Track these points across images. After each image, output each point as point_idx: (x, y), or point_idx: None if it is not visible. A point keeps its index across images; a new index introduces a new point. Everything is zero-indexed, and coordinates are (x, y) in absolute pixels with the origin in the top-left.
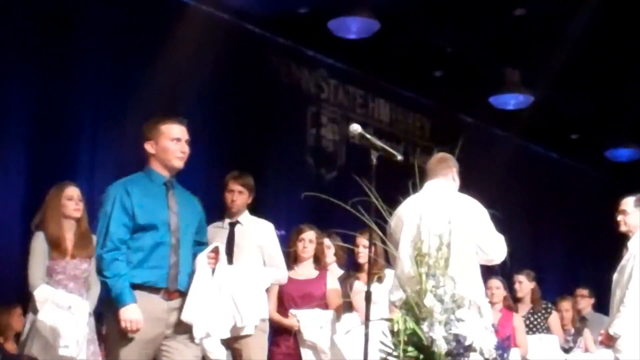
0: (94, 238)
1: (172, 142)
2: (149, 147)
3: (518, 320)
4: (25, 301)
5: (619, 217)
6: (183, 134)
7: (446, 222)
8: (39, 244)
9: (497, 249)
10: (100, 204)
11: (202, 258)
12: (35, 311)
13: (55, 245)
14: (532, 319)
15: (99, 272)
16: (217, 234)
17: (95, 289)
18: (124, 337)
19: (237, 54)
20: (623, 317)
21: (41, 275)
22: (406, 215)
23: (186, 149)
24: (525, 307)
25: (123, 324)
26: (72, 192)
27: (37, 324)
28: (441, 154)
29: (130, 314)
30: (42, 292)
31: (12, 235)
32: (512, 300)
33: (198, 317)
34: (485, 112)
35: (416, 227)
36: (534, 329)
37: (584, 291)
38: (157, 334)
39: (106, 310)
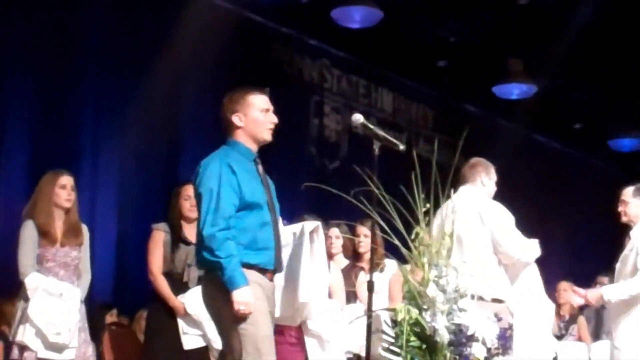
0: (84, 228)
1: (261, 114)
2: (236, 119)
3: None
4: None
5: (620, 208)
6: (269, 104)
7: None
8: (28, 231)
9: (516, 248)
10: (198, 180)
11: (306, 237)
12: (26, 299)
13: (45, 234)
14: None
15: (210, 252)
16: None
17: (86, 277)
18: (239, 320)
19: (239, 43)
20: (622, 287)
21: (31, 263)
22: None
23: (275, 119)
24: None
25: (236, 307)
26: (66, 181)
27: (28, 312)
28: (473, 160)
29: (245, 297)
30: (33, 280)
31: (14, 224)
32: None
33: (315, 297)
34: (489, 101)
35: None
36: None
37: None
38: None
39: (214, 292)
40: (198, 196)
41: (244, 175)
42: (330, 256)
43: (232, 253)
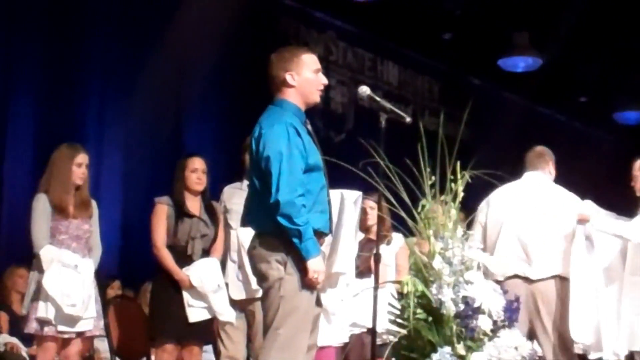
0: (94, 203)
1: (314, 74)
2: (289, 78)
3: None
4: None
5: (632, 183)
6: (319, 64)
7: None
8: (41, 205)
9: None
10: (262, 143)
11: (349, 206)
12: (40, 270)
13: (58, 208)
14: None
15: (288, 218)
16: (234, 195)
17: (97, 252)
18: (304, 289)
19: (245, 16)
20: (613, 222)
21: (46, 236)
22: (498, 200)
23: (325, 80)
24: None
25: (312, 274)
26: (82, 159)
27: (43, 283)
28: (539, 148)
29: (320, 265)
30: (48, 252)
31: (21, 198)
32: None
33: (349, 267)
34: (494, 74)
35: (504, 211)
36: None
37: None
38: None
39: (268, 255)
40: (264, 159)
41: (305, 136)
42: (367, 228)
43: (308, 220)
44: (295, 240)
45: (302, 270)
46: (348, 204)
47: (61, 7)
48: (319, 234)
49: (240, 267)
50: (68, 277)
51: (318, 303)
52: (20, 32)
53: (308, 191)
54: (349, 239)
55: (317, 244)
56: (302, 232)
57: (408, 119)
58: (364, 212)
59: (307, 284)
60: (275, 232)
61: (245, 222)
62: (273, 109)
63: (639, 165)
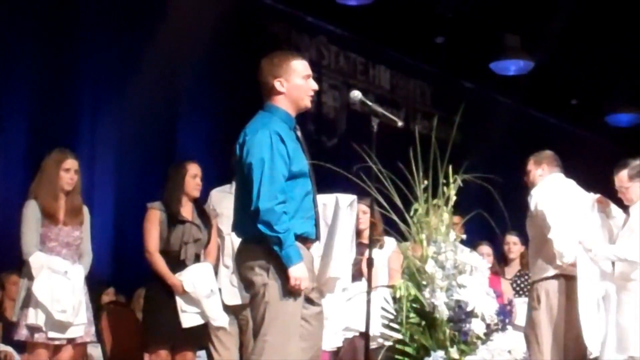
0: (85, 209)
1: (303, 80)
2: (278, 84)
3: (505, 285)
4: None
5: (619, 195)
6: (310, 70)
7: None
8: (31, 211)
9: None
10: (246, 149)
11: (343, 210)
12: (30, 277)
13: (48, 214)
14: (519, 282)
15: (268, 226)
16: (224, 199)
17: (87, 258)
18: (289, 294)
19: (237, 20)
20: (611, 247)
21: (35, 243)
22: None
23: (316, 86)
24: (512, 270)
25: (293, 282)
26: (71, 164)
27: (33, 290)
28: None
29: (301, 272)
30: (38, 259)
31: (12, 204)
32: (503, 261)
33: (344, 271)
34: (486, 78)
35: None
36: (520, 292)
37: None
38: (309, 289)
39: (253, 262)
40: (247, 166)
41: (290, 143)
42: (358, 233)
43: (289, 227)
44: (276, 247)
45: (285, 276)
46: (342, 208)
47: (53, 12)
48: (304, 239)
49: (234, 272)
50: (58, 284)
51: (313, 303)
52: (12, 35)
53: (291, 198)
54: (344, 244)
55: (299, 251)
56: (283, 239)
57: (400, 123)
58: (356, 217)
59: (290, 291)
60: (258, 239)
61: (233, 228)
62: (262, 115)
63: (626, 177)
